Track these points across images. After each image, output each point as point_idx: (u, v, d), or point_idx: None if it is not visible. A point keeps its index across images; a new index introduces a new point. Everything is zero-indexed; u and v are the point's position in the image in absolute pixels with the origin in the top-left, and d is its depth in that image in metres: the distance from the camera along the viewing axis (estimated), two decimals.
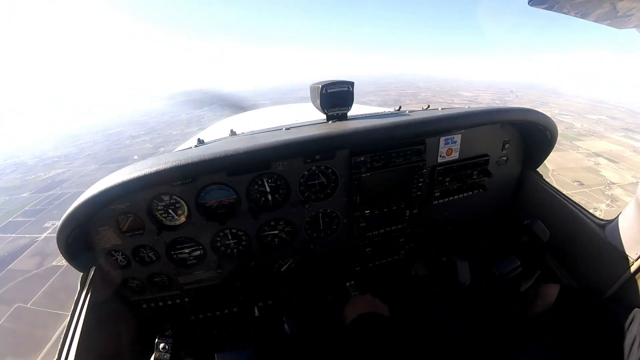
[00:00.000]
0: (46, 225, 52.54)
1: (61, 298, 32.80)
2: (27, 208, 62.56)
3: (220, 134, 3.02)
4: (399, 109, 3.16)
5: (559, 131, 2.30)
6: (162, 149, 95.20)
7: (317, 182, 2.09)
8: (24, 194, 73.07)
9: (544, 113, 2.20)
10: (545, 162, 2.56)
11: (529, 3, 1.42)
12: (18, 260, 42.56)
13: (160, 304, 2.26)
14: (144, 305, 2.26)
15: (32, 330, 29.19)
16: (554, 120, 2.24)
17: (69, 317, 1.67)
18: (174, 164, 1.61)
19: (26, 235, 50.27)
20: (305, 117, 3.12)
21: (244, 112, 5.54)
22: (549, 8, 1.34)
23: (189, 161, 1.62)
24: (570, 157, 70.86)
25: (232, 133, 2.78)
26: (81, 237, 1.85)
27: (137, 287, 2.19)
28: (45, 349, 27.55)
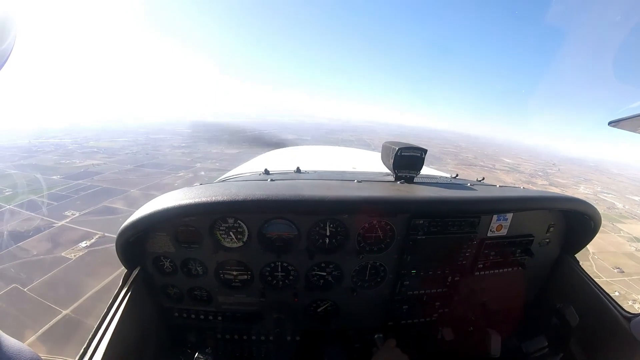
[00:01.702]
0: (66, 213, 55.41)
1: (60, 292, 33.83)
2: (53, 191, 66.84)
3: (277, 165, 3.38)
4: (456, 177, 3.47)
5: (601, 211, 2.54)
6: (198, 164, 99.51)
7: (374, 235, 2.34)
8: (55, 177, 78.51)
9: (592, 205, 2.46)
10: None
11: (609, 124, 1.74)
12: (29, 240, 45.00)
13: (193, 316, 2.47)
14: (176, 314, 2.47)
15: (20, 317, 30.04)
16: (596, 198, 2.84)
17: (105, 309, 1.85)
18: (262, 197, 1.89)
19: (44, 218, 53.19)
20: (361, 163, 3.74)
21: (291, 148, 6.14)
22: (630, 130, 1.55)
23: (276, 198, 1.90)
24: (611, 239, 69.65)
25: (298, 170, 3.10)
26: (139, 237, 2.09)
27: (175, 296, 2.41)
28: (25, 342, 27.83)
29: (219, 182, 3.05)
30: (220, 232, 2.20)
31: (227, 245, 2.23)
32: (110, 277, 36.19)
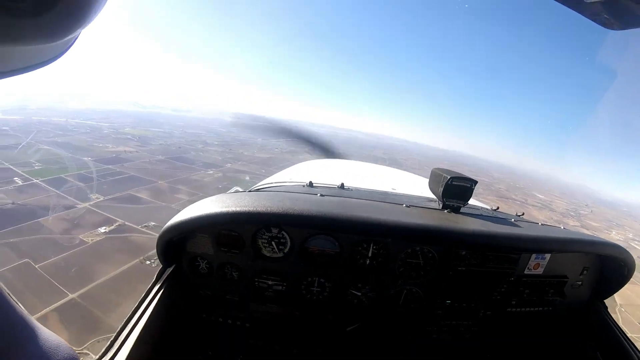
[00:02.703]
0: (91, 196, 57.54)
1: (70, 275, 34.44)
2: (82, 172, 69.80)
3: (319, 178, 3.44)
4: (497, 209, 3.49)
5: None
6: (228, 164, 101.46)
7: (415, 261, 2.42)
8: (86, 158, 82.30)
9: (628, 251, 2.58)
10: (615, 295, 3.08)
11: None
12: (49, 217, 46.78)
13: (220, 319, 2.51)
14: (204, 315, 2.50)
15: (25, 293, 30.35)
16: (627, 245, 2.63)
17: (138, 302, 1.96)
18: (317, 213, 2.05)
19: (68, 197, 55.44)
20: (400, 184, 4.03)
21: (327, 160, 6.58)
22: None
23: (331, 216, 2.06)
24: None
25: (342, 186, 3.21)
26: (182, 237, 2.25)
27: (206, 298, 2.48)
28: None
29: (261, 189, 3.21)
30: (263, 240, 2.29)
31: (267, 254, 2.32)
32: (124, 267, 36.77)
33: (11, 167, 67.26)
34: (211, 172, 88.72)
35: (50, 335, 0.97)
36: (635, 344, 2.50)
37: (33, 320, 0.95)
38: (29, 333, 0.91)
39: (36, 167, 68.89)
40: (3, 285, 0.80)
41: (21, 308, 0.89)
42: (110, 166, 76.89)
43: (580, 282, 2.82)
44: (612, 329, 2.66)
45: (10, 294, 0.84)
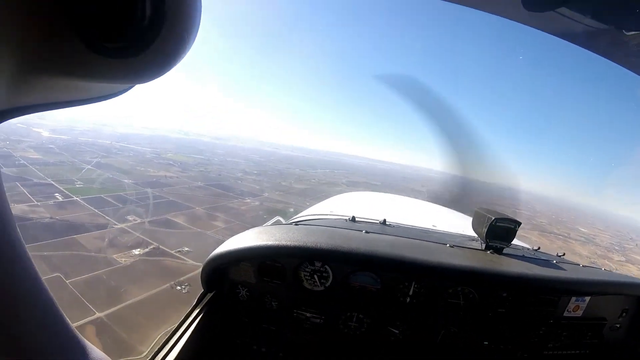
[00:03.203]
0: (128, 217, 58.24)
1: (100, 293, 33.93)
2: (121, 193, 71.42)
3: (359, 212, 3.47)
4: (538, 249, 3.46)
5: None
6: (266, 194, 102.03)
7: (455, 301, 2.43)
8: (127, 180, 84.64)
9: None
10: None
11: None
12: (85, 234, 47.10)
13: (254, 347, 2.58)
14: (238, 341, 2.58)
15: None
16: None
17: (175, 326, 2.07)
18: (366, 252, 2.14)
19: (106, 217, 56.27)
20: (440, 221, 4.06)
21: (364, 193, 6.79)
22: None
23: (378, 255, 2.15)
24: None
25: (384, 222, 3.25)
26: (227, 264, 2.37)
27: (243, 325, 2.56)
28: None
29: (304, 222, 3.17)
30: (305, 273, 2.36)
31: (308, 287, 2.39)
32: (154, 290, 35.90)
33: (53, 183, 69.80)
34: (248, 200, 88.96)
35: (99, 355, 0.98)
36: None
37: (84, 340, 0.96)
38: (79, 354, 0.92)
39: (77, 185, 71.33)
40: (56, 302, 0.80)
41: (72, 327, 0.90)
42: (149, 189, 78.62)
43: (618, 325, 2.81)
44: None
45: (63, 312, 0.85)
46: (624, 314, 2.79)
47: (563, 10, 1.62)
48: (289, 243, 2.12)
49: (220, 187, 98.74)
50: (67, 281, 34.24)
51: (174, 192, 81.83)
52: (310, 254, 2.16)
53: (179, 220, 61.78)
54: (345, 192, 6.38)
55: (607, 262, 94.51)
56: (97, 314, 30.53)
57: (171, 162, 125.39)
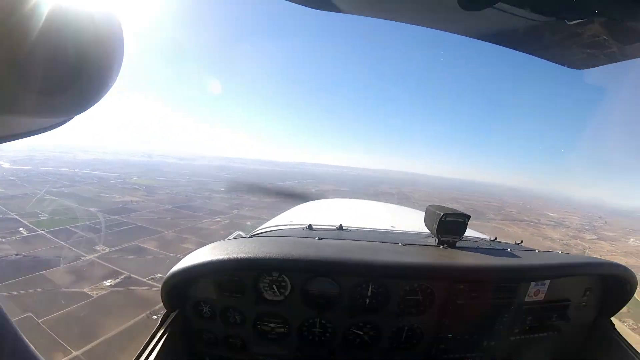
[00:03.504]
0: (96, 247, 57.30)
1: (74, 330, 33.69)
2: (88, 223, 70.03)
3: (318, 220, 3.62)
4: (495, 239, 3.65)
5: None
6: (235, 210, 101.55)
7: (414, 297, 2.50)
8: (92, 208, 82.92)
9: (628, 268, 2.71)
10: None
11: None
12: (53, 270, 46.32)
13: None
14: (207, 359, 2.60)
15: None
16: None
17: (142, 347, 2.04)
18: (314, 258, 2.20)
19: (73, 249, 55.32)
20: (399, 221, 4.26)
21: (328, 200, 6.98)
22: None
23: (328, 259, 2.21)
24: None
25: (341, 227, 3.38)
26: (185, 282, 2.35)
27: (209, 341, 2.57)
28: None
29: (262, 234, 3.40)
30: (264, 284, 2.38)
31: (269, 298, 2.40)
32: (130, 322, 36.00)
33: (17, 217, 67.91)
34: (218, 219, 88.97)
35: None
36: None
37: None
38: None
39: (42, 218, 69.55)
40: (30, 346, 0.81)
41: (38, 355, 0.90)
42: (116, 216, 77.32)
43: (584, 304, 2.90)
44: (621, 346, 2.76)
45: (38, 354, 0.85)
46: (588, 292, 2.87)
47: (500, 5, 1.61)
48: (240, 256, 2.15)
49: (189, 208, 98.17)
50: (39, 321, 33.99)
51: (141, 217, 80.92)
52: (262, 266, 2.20)
53: (149, 245, 61.66)
54: (313, 201, 6.60)
55: (579, 242, 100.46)
56: (74, 353, 30.61)
57: (136, 186, 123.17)
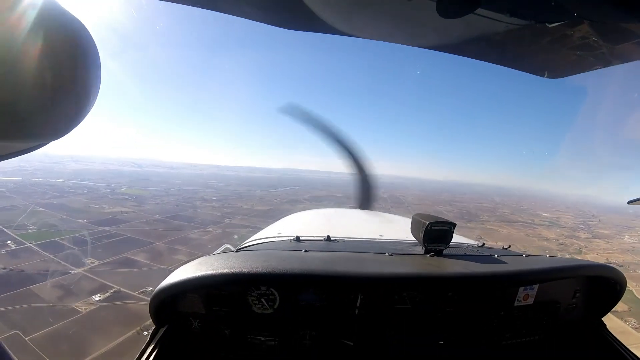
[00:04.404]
0: (85, 260, 56.10)
1: (62, 348, 33.14)
2: (77, 235, 68.87)
3: (307, 231, 3.63)
4: (482, 245, 3.66)
5: None
6: (227, 220, 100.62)
7: (403, 307, 2.51)
8: (81, 220, 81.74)
9: (616, 268, 2.76)
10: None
11: (628, 203, 2.47)
12: (41, 284, 45.26)
13: None
14: None
15: None
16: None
17: None
18: (300, 271, 2.22)
19: (62, 262, 54.21)
20: (388, 230, 4.21)
21: (317, 211, 6.85)
22: None
23: (313, 273, 2.23)
24: None
25: (328, 239, 3.36)
26: (173, 297, 2.36)
27: (200, 356, 2.56)
28: None
29: (249, 247, 3.39)
30: (252, 298, 2.40)
31: (257, 311, 2.42)
32: (120, 339, 35.26)
33: (5, 229, 66.34)
34: (210, 229, 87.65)
35: None
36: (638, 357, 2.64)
37: None
38: None
39: (30, 230, 68.10)
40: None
41: None
42: (106, 228, 75.88)
43: (574, 305, 2.95)
44: (613, 346, 2.79)
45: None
46: (577, 294, 2.89)
47: (480, 11, 1.60)
48: (225, 271, 2.16)
49: (180, 218, 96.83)
50: (26, 338, 33.21)
51: (131, 228, 79.69)
52: (247, 280, 2.24)
53: (139, 258, 60.49)
54: (309, 208, 6.75)
55: (575, 241, 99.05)
56: None
57: (127, 197, 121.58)
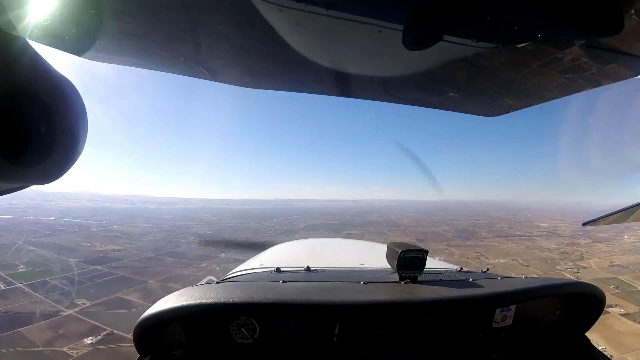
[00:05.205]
0: (77, 302, 54.57)
1: None
2: (68, 274, 67.37)
3: (288, 261, 3.81)
4: (460, 270, 3.68)
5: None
6: (222, 254, 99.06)
7: (382, 333, 2.53)
8: (72, 259, 79.96)
9: (594, 285, 2.81)
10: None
11: (582, 225, 2.65)
12: (31, 326, 43.74)
13: None
14: None
15: None
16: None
17: None
18: (275, 301, 2.27)
19: (52, 303, 52.66)
20: (368, 259, 4.18)
21: (301, 241, 7.17)
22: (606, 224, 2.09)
23: (287, 302, 2.28)
24: None
25: (308, 269, 3.43)
26: (156, 327, 2.39)
27: None
28: None
29: (231, 279, 3.51)
30: (233, 327, 2.42)
31: (239, 340, 2.43)
32: None
33: None
34: (204, 264, 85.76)
35: None
36: None
37: None
38: None
39: (20, 270, 66.40)
40: None
41: None
42: (97, 267, 74.29)
43: (555, 322, 2.98)
44: (596, 357, 2.85)
45: None
46: (557, 312, 2.93)
47: (448, 38, 1.59)
48: (204, 301, 2.21)
49: (173, 255, 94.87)
50: None
51: (123, 266, 78.03)
52: (226, 310, 2.30)
53: (132, 297, 58.92)
54: (305, 237, 7.02)
55: (576, 248, 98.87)
56: None
57: (118, 234, 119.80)
